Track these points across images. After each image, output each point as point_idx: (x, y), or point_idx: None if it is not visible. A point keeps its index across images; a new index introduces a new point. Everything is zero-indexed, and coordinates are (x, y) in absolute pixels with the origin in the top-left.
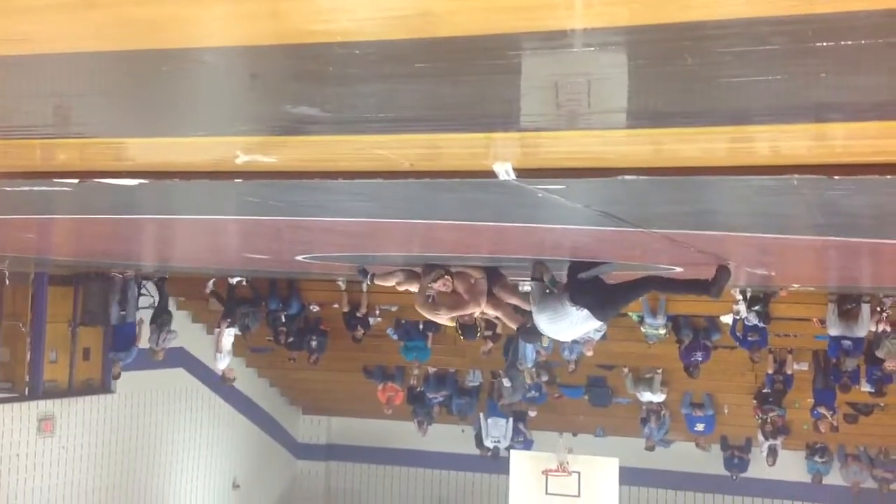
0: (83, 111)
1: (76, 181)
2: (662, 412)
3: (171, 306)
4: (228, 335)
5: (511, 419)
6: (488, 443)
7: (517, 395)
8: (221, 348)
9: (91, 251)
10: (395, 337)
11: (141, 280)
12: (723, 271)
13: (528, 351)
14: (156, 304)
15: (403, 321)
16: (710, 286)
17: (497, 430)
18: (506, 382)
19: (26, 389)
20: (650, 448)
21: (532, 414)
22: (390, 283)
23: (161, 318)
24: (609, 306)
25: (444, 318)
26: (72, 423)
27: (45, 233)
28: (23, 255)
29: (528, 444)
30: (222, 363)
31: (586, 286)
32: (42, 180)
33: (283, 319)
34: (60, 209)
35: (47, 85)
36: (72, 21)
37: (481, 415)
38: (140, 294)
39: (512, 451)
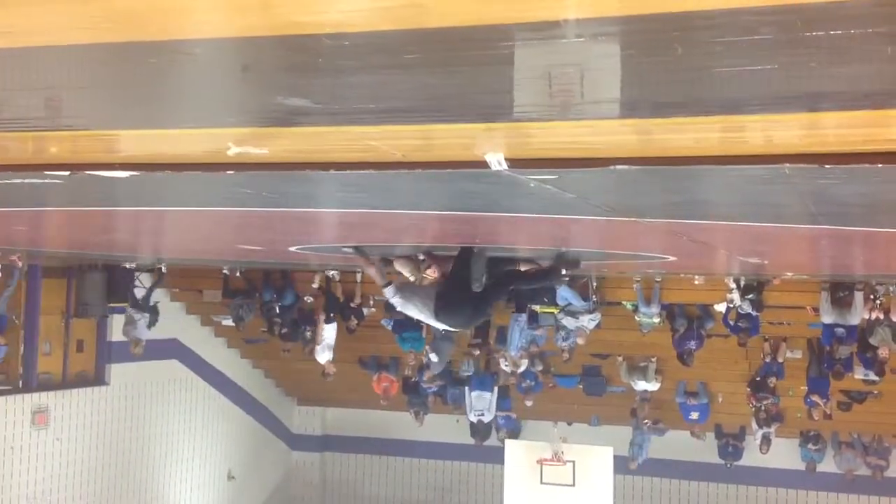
0: (74, 103)
1: (67, 173)
2: (647, 424)
3: (165, 297)
4: (329, 329)
5: (495, 390)
6: (472, 416)
7: (441, 366)
8: (322, 342)
9: (83, 243)
10: (389, 327)
11: (135, 272)
12: (563, 255)
13: (515, 338)
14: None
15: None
16: (551, 271)
17: (481, 403)
18: (433, 357)
19: (20, 382)
20: (634, 468)
21: (528, 403)
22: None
23: (138, 311)
24: (472, 321)
25: None
26: (66, 416)
27: (37, 225)
28: (15, 247)
29: (511, 421)
30: (323, 357)
31: (454, 302)
32: (33, 173)
33: (278, 310)
34: (52, 201)
35: (38, 77)
36: (62, 13)
37: (466, 388)
38: (134, 286)
39: (507, 441)
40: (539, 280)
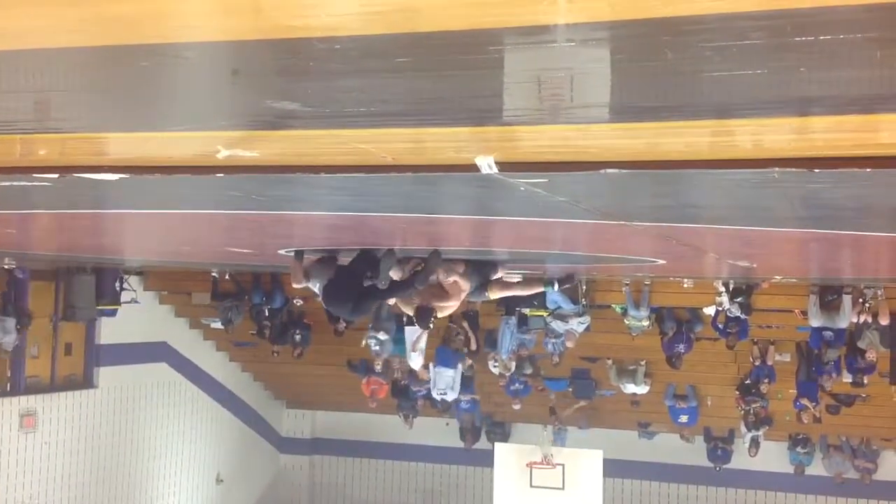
0: (63, 106)
1: (56, 176)
2: (556, 425)
3: (154, 300)
4: (423, 334)
5: (459, 368)
6: (435, 394)
7: (390, 346)
8: (415, 347)
9: (72, 246)
10: None
11: (122, 275)
12: (433, 255)
13: (505, 341)
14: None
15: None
16: (419, 274)
17: (443, 381)
18: (381, 336)
19: (8, 385)
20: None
21: (516, 407)
22: None
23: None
24: (352, 315)
25: (410, 309)
26: (54, 419)
27: (26, 228)
28: (3, 249)
29: (474, 405)
30: (416, 362)
31: (339, 293)
32: (22, 175)
33: (267, 313)
34: (41, 204)
35: (27, 80)
36: (52, 17)
37: (430, 365)
38: (122, 289)
39: (496, 444)
40: (420, 280)
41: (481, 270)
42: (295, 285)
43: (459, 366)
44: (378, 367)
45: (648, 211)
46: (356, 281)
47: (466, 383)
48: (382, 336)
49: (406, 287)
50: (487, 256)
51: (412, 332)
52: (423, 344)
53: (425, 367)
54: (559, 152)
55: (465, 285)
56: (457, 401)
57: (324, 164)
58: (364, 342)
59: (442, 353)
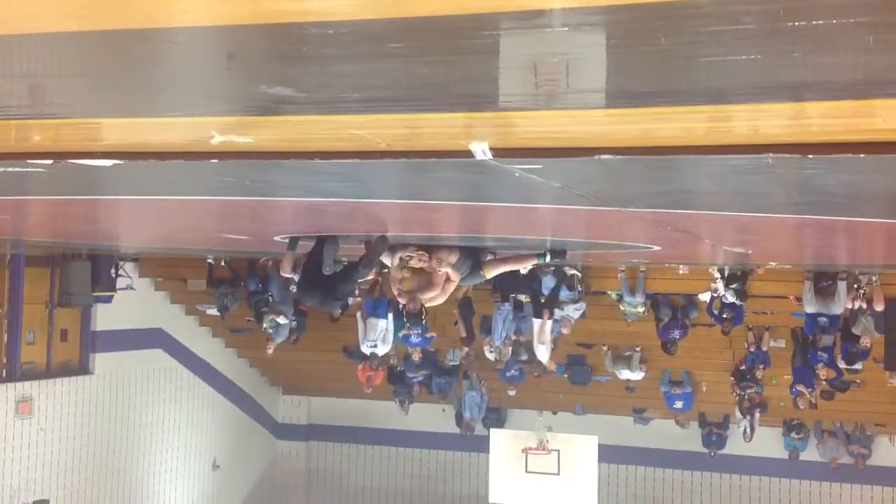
0: (57, 91)
1: (50, 162)
2: (483, 389)
3: (150, 287)
4: (547, 325)
5: (390, 317)
6: (365, 348)
7: (283, 332)
8: (542, 339)
9: (67, 232)
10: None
11: (118, 261)
12: (379, 241)
13: (499, 328)
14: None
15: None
16: (365, 258)
17: (373, 332)
18: (280, 320)
19: (3, 371)
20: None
21: (511, 393)
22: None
23: None
24: (325, 303)
25: (399, 293)
26: (50, 405)
27: (21, 214)
28: None
29: (426, 340)
30: (543, 355)
31: (308, 285)
32: (16, 161)
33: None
34: (35, 190)
35: (21, 65)
36: (45, 1)
37: (358, 314)
38: (118, 275)
39: (492, 430)
40: (366, 263)
41: (473, 253)
42: (283, 273)
43: (391, 315)
44: (270, 351)
45: (643, 197)
46: (318, 272)
47: (416, 323)
48: (282, 320)
49: (354, 271)
50: (481, 243)
51: (537, 324)
52: (547, 336)
53: (552, 360)
54: (554, 138)
55: (455, 276)
56: (406, 335)
57: (318, 150)
58: (263, 326)
59: (372, 302)
